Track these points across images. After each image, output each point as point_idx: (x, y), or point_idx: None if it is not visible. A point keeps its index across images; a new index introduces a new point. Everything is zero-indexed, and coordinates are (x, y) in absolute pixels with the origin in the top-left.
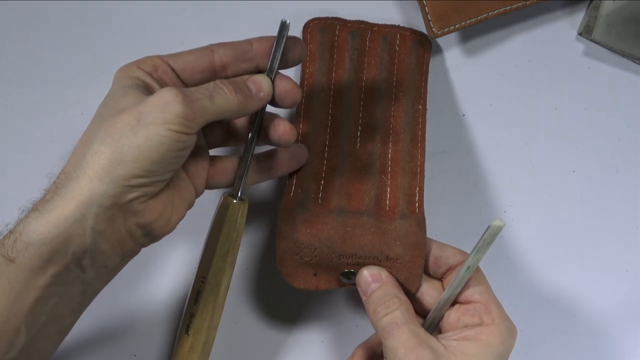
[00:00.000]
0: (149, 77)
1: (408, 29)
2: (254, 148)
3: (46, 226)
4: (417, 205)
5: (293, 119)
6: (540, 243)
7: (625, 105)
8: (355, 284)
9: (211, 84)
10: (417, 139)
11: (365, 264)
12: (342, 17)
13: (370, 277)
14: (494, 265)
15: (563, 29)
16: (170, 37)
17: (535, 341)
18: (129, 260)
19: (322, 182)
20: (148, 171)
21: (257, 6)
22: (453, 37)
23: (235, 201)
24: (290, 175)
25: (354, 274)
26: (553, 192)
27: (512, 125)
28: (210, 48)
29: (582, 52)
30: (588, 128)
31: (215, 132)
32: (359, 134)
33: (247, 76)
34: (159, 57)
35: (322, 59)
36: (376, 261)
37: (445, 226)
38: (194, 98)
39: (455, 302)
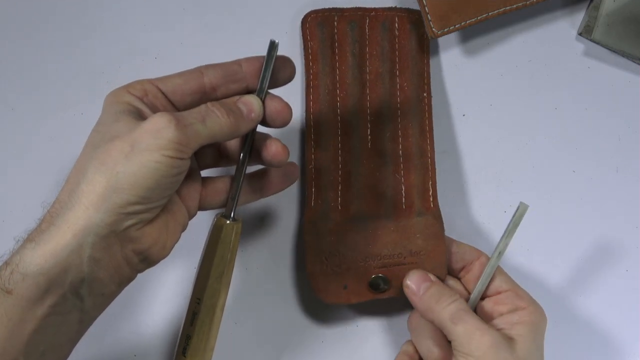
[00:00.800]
0: (139, 102)
1: (405, 9)
2: (245, 168)
3: (43, 257)
4: (431, 200)
5: (304, 121)
6: (540, 243)
7: (625, 105)
8: (384, 292)
9: (203, 107)
10: (425, 132)
11: (391, 264)
12: (339, 6)
13: (421, 278)
14: None
15: (563, 29)
16: (170, 37)
17: None
18: (125, 286)
19: (340, 189)
20: (144, 198)
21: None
22: (453, 37)
23: (228, 222)
24: (308, 185)
25: (384, 280)
26: (553, 192)
27: (512, 125)
28: (200, 70)
29: (582, 52)
30: (588, 128)
31: (206, 153)
32: (369, 133)
33: (237, 97)
34: (149, 80)
35: (324, 57)
36: (401, 257)
37: (445, 226)
38: (187, 123)
39: (483, 297)
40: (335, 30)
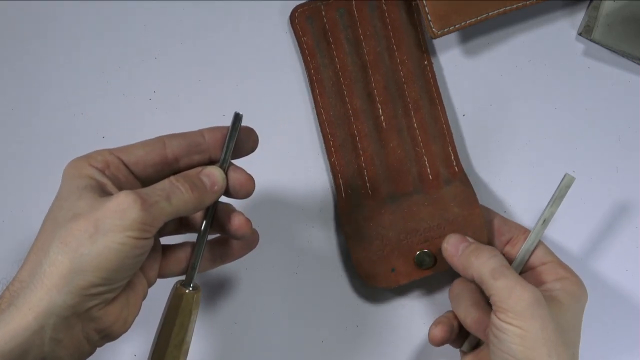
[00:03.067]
0: (101, 175)
1: None
2: (206, 238)
3: (3, 338)
4: (454, 165)
5: (315, 118)
6: None
7: (625, 105)
8: (430, 269)
9: (167, 183)
10: (434, 99)
11: (432, 237)
12: None
13: (459, 240)
14: None
15: (563, 29)
16: (170, 37)
17: None
18: None
19: (366, 175)
20: (107, 279)
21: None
22: (453, 37)
23: (188, 291)
24: (335, 177)
25: (428, 255)
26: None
27: (512, 125)
28: (162, 140)
29: (582, 52)
30: (588, 128)
31: (168, 223)
32: (380, 113)
33: (200, 169)
34: (110, 151)
35: (320, 50)
36: (440, 228)
37: None
38: (151, 201)
39: (526, 270)
40: (325, 20)
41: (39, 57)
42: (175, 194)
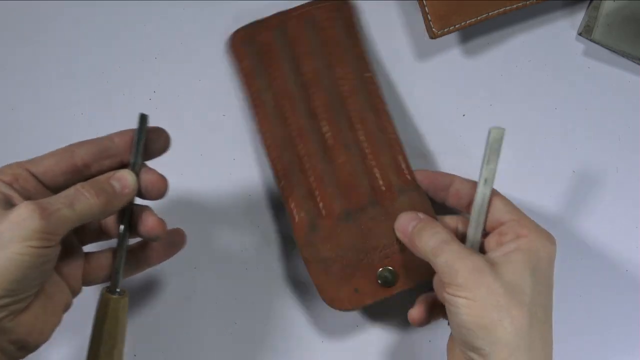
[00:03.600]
0: (9, 189)
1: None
2: (126, 242)
3: None
4: (407, 174)
5: (260, 143)
6: None
7: (625, 105)
8: (394, 287)
9: (72, 189)
10: (379, 110)
11: (393, 252)
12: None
13: (409, 217)
14: None
15: (563, 29)
16: (170, 38)
17: None
18: None
19: (318, 195)
20: (11, 291)
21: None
22: (453, 37)
23: (114, 296)
24: (286, 202)
25: (390, 272)
26: (553, 192)
27: (512, 125)
28: (71, 149)
29: (582, 52)
30: (588, 128)
31: (85, 229)
32: (325, 130)
33: (111, 173)
34: (18, 164)
35: (259, 73)
36: (400, 242)
37: None
38: (52, 210)
39: (488, 233)
40: (262, 43)
41: (39, 57)
42: (79, 200)
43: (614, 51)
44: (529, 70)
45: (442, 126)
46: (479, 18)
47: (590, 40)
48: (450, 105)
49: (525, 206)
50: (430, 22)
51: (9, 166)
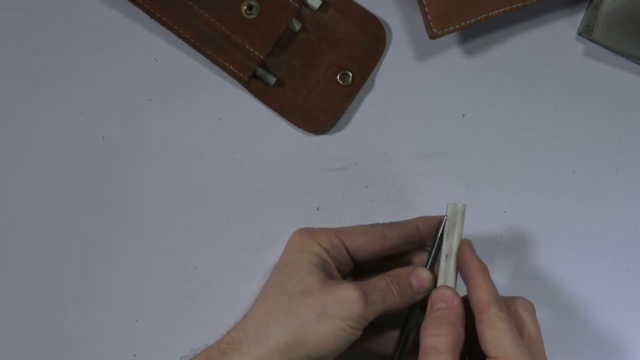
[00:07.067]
0: (326, 255)
1: None
2: (412, 322)
3: None
4: None
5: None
6: (540, 243)
7: (625, 105)
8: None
9: (384, 283)
10: None
11: None
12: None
13: (442, 297)
14: (493, 265)
15: (563, 29)
16: (171, 39)
17: None
18: None
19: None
20: (322, 357)
21: None
22: (453, 37)
23: None
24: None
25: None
26: (553, 192)
27: (512, 125)
28: (382, 231)
29: (582, 52)
30: (588, 128)
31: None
32: None
33: (410, 269)
34: (335, 234)
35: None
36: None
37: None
38: (372, 300)
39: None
40: None
41: (38, 57)
42: (389, 297)
43: (614, 51)
44: (529, 70)
45: (442, 126)
46: (478, 18)
47: (590, 40)
48: (450, 105)
49: (524, 203)
50: (430, 22)
51: (327, 233)
